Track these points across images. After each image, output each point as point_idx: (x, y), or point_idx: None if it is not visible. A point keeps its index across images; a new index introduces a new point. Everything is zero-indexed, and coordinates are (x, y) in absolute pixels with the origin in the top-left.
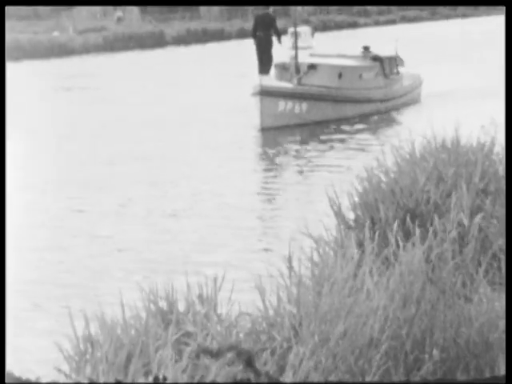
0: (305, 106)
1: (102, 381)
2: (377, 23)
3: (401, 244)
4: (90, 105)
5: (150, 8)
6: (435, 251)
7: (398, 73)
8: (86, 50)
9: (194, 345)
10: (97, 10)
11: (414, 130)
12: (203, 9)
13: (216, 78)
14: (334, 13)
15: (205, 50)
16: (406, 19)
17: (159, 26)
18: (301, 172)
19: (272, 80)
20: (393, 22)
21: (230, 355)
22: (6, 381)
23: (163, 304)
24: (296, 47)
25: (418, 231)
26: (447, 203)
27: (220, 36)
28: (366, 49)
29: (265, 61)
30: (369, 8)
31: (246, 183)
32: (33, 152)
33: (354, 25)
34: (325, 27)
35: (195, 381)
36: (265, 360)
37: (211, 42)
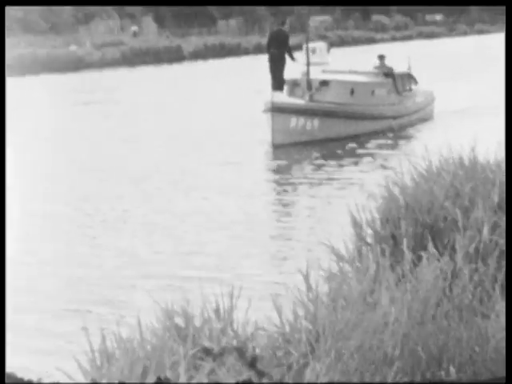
0: (316, 122)
1: None
2: (394, 39)
3: (418, 260)
4: (106, 119)
5: (167, 22)
6: (451, 267)
7: (410, 89)
8: (104, 64)
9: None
10: (114, 24)
11: (429, 147)
12: (221, 24)
13: (232, 93)
14: (352, 28)
15: (222, 64)
16: (422, 35)
17: (176, 40)
18: (313, 185)
19: (284, 96)
20: (409, 37)
21: (232, 356)
22: (6, 381)
23: (179, 320)
24: (308, 63)
25: (434, 247)
26: (464, 220)
27: (237, 51)
28: (382, 58)
29: (278, 77)
30: (386, 24)
31: (259, 198)
32: (53, 167)
33: (371, 40)
34: (342, 42)
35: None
36: (281, 375)
37: (228, 57)
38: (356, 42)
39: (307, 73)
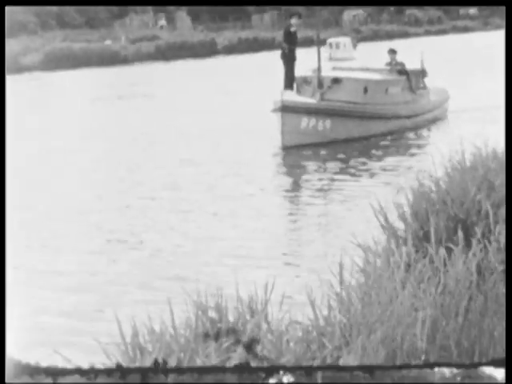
0: (328, 123)
1: None
2: (427, 33)
3: (449, 254)
4: (136, 113)
5: (201, 16)
6: (484, 260)
7: (424, 87)
8: (139, 58)
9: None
10: (149, 18)
11: (454, 140)
12: (255, 18)
13: (261, 88)
14: (385, 22)
15: (255, 58)
16: (456, 29)
17: (210, 34)
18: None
19: (294, 95)
20: (443, 31)
21: (229, 338)
22: (7, 365)
23: (212, 313)
24: (319, 58)
25: (466, 241)
26: (498, 213)
27: (271, 45)
28: (393, 52)
29: (288, 75)
30: (419, 17)
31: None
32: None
33: (404, 34)
34: (375, 37)
35: None
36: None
37: (262, 51)
38: (389, 36)
39: (318, 70)
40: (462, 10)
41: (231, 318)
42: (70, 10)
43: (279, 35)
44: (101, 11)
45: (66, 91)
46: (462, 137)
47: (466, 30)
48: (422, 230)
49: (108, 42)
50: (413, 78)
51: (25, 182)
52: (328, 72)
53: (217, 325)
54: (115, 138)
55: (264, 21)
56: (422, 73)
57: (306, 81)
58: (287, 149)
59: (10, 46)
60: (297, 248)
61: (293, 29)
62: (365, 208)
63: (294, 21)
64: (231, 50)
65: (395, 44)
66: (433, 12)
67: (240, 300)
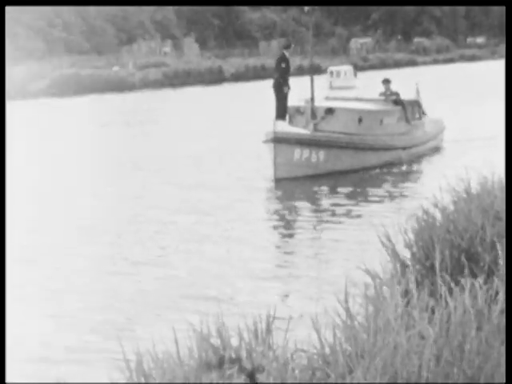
0: (322, 154)
1: None
2: (435, 61)
3: (455, 282)
4: (144, 138)
5: (209, 43)
6: (489, 290)
7: (420, 118)
8: (146, 84)
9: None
10: (156, 45)
11: (462, 171)
12: (262, 45)
13: (269, 114)
14: (393, 51)
15: (262, 85)
16: (464, 58)
17: (218, 61)
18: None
19: (287, 126)
20: (451, 60)
21: (232, 366)
22: None
23: (216, 341)
24: (312, 89)
25: (471, 270)
26: (503, 242)
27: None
28: (387, 82)
29: (281, 105)
30: (427, 46)
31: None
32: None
33: (412, 63)
34: (383, 65)
35: None
36: None
37: (269, 78)
38: (397, 64)
39: (311, 99)
40: (470, 39)
41: (235, 345)
42: (77, 36)
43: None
44: (108, 37)
45: (73, 117)
46: (466, 165)
47: (473, 58)
48: (427, 258)
49: (115, 69)
50: (408, 109)
51: (37, 206)
52: (321, 102)
53: (220, 352)
54: (123, 164)
55: (271, 48)
56: (418, 103)
57: (298, 111)
58: (279, 181)
59: (18, 72)
60: (301, 272)
61: (285, 59)
62: (371, 235)
63: (286, 51)
64: (238, 77)
65: (403, 72)
66: (441, 41)
67: (246, 326)
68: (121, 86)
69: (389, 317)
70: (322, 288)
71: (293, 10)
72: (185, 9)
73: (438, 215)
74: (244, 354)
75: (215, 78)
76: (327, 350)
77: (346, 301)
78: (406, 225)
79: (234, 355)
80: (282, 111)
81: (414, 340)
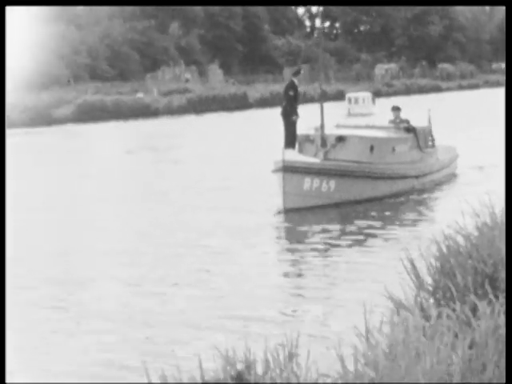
0: (333, 183)
1: None
2: (460, 87)
3: (477, 308)
4: (169, 164)
5: (233, 69)
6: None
7: (433, 145)
8: (170, 111)
9: None
10: (180, 71)
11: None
12: (286, 71)
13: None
14: (417, 76)
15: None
16: (488, 83)
17: (242, 87)
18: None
19: (296, 154)
20: (475, 86)
21: None
22: None
23: (241, 366)
24: (322, 116)
25: (493, 296)
26: None
27: (302, 99)
28: (397, 110)
29: (290, 133)
30: (452, 72)
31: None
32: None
33: (437, 88)
34: (408, 91)
35: None
36: None
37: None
38: (422, 90)
39: (321, 127)
40: (495, 65)
41: (260, 371)
42: (102, 63)
43: (311, 88)
44: (133, 64)
45: (97, 143)
46: (490, 191)
47: (498, 84)
48: (449, 283)
49: (140, 95)
50: (421, 136)
51: (64, 231)
52: (332, 130)
53: (245, 378)
54: (149, 189)
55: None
56: (431, 130)
57: (308, 139)
58: (289, 212)
59: (43, 98)
60: (320, 297)
61: (294, 86)
62: (394, 260)
63: (295, 78)
64: (263, 103)
65: (427, 98)
66: (465, 66)
67: (269, 352)
68: (145, 112)
69: (411, 343)
70: (345, 312)
71: (317, 37)
72: (209, 35)
73: (461, 240)
74: (268, 380)
75: (239, 104)
76: (350, 376)
77: (367, 327)
78: (427, 250)
79: (258, 381)
80: (290, 139)
81: (438, 366)
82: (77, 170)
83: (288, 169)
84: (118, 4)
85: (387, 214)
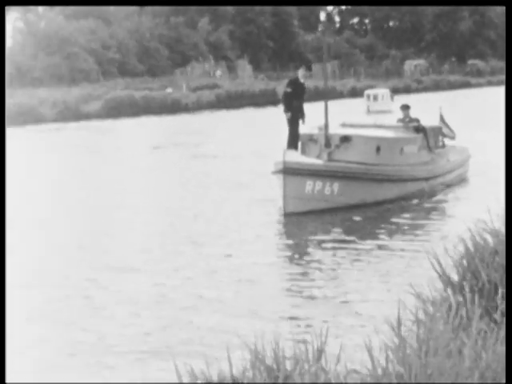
0: (336, 186)
1: None
2: (489, 83)
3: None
4: (196, 160)
5: (262, 65)
6: None
7: (443, 146)
8: (199, 106)
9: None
10: (210, 67)
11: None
12: (315, 67)
13: None
14: (447, 72)
15: (315, 108)
16: None
17: (271, 83)
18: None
19: (297, 155)
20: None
21: None
22: None
23: (270, 361)
24: (326, 114)
25: None
26: None
27: (332, 94)
28: (406, 108)
29: (292, 133)
30: (481, 68)
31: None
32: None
33: (466, 85)
34: (437, 87)
35: None
36: None
37: (322, 100)
38: (451, 86)
39: (325, 126)
40: None
41: (288, 367)
42: (131, 58)
43: (340, 84)
44: (162, 59)
45: (126, 139)
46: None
47: None
48: (477, 281)
49: (169, 90)
50: (431, 136)
51: (94, 227)
52: (336, 129)
53: (274, 373)
54: (177, 186)
55: (325, 70)
56: (441, 130)
57: (311, 139)
58: (289, 215)
59: (73, 93)
60: (352, 295)
61: (295, 82)
62: (420, 257)
63: (301, 72)
64: None
65: (457, 94)
66: (495, 63)
67: (299, 347)
68: (174, 107)
69: (440, 340)
70: (373, 310)
71: (346, 33)
72: (238, 31)
73: (488, 238)
74: (297, 375)
75: (268, 99)
76: (379, 371)
77: (399, 323)
78: (454, 248)
79: (287, 375)
80: (294, 139)
81: (467, 364)
82: (107, 164)
83: (288, 170)
84: (117, 4)
85: (406, 215)
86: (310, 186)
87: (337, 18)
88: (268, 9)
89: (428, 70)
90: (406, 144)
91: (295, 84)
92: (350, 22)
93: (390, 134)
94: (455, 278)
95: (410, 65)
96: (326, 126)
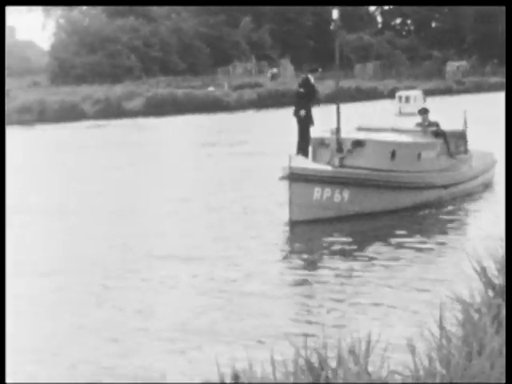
0: (347, 193)
1: None
2: None
3: None
4: (239, 158)
5: (304, 65)
6: None
7: (466, 151)
8: (240, 105)
9: None
10: (252, 66)
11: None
12: (357, 68)
13: None
14: (488, 74)
15: (356, 108)
16: None
17: None
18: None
19: (305, 161)
20: None
21: None
22: None
23: (314, 360)
24: (338, 118)
25: None
26: None
27: (373, 95)
28: (424, 112)
29: (302, 137)
30: None
31: None
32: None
33: None
34: (478, 89)
35: None
36: None
37: (364, 101)
38: (492, 88)
39: (337, 130)
40: None
41: (333, 365)
42: (173, 56)
43: (381, 85)
44: (204, 58)
45: (169, 136)
46: None
47: None
48: None
49: (211, 89)
50: (451, 141)
51: (140, 224)
52: (349, 133)
53: (317, 372)
54: (222, 182)
55: (367, 70)
56: (464, 135)
57: (323, 143)
58: (296, 224)
59: (115, 90)
60: (394, 297)
61: (305, 83)
62: (460, 258)
63: (312, 75)
64: (332, 98)
65: (497, 96)
66: None
67: (345, 348)
68: (216, 106)
69: (485, 341)
70: (416, 314)
71: (388, 34)
72: (280, 30)
73: None
74: (341, 375)
75: None
76: (422, 373)
77: (442, 325)
78: (492, 251)
79: (330, 375)
80: (304, 144)
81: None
82: (152, 161)
83: (295, 177)
84: (116, 4)
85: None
86: (318, 193)
87: (379, 19)
88: (309, 8)
89: (469, 71)
90: (424, 149)
91: (307, 85)
92: (392, 22)
93: (406, 138)
94: (496, 280)
95: (451, 66)
96: (338, 129)
